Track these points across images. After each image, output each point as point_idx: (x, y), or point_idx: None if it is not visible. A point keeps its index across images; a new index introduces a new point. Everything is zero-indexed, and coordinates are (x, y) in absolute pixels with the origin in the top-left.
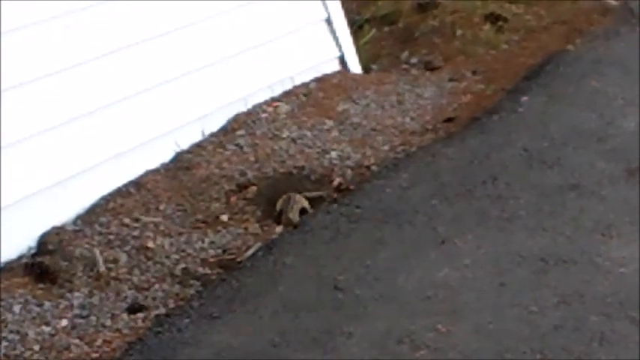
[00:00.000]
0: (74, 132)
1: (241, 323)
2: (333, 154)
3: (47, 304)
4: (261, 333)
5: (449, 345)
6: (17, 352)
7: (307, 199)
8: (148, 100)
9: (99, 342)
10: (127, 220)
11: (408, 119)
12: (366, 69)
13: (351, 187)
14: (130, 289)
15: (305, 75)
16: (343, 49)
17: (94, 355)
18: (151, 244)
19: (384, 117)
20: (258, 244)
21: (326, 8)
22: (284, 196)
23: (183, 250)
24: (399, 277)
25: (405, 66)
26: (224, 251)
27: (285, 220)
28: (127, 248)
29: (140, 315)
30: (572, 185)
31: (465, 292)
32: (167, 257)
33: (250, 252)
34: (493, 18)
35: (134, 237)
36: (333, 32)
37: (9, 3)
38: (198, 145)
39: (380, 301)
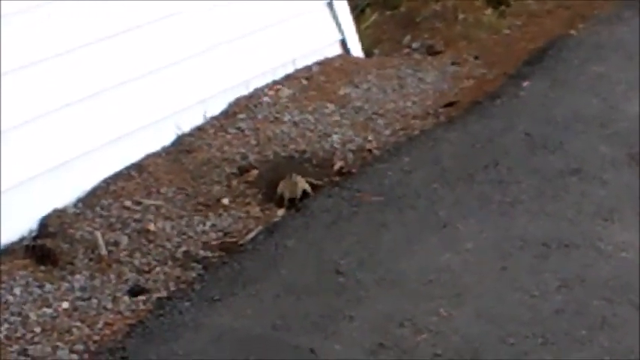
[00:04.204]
0: (75, 115)
1: (242, 306)
2: (335, 137)
3: (48, 286)
4: (262, 316)
5: (450, 329)
6: (18, 334)
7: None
8: (150, 83)
9: (100, 324)
10: (128, 203)
11: (409, 103)
12: (368, 53)
13: (353, 170)
14: (131, 271)
15: (307, 59)
16: (345, 32)
17: (95, 338)
18: (152, 227)
19: (385, 101)
20: (260, 228)
21: None
22: (286, 177)
23: (184, 233)
24: (400, 261)
25: (406, 50)
26: (225, 234)
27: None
28: (129, 231)
29: (141, 298)
30: (574, 170)
31: (466, 276)
32: (168, 240)
33: (251, 235)
34: (495, 2)
35: (135, 220)
36: (334, 16)
37: None
38: (199, 129)
39: (381, 285)
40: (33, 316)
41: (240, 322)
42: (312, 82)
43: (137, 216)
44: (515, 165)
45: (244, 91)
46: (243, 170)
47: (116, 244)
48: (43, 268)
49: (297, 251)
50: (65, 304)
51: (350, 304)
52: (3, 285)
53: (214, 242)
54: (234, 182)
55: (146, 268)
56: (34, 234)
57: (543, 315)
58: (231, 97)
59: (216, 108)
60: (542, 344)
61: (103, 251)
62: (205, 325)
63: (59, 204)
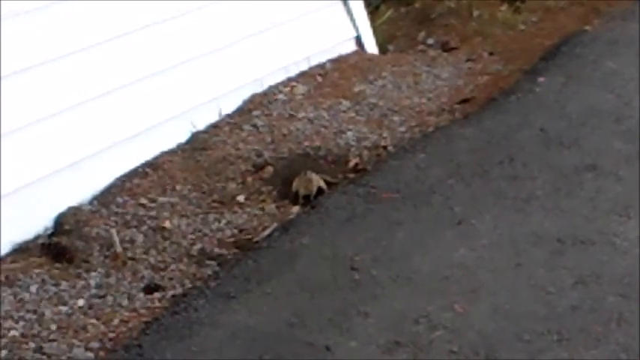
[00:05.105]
0: (90, 112)
1: (257, 303)
2: (350, 134)
3: (64, 283)
4: (277, 313)
5: (466, 325)
6: (34, 331)
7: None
8: (165, 81)
9: (115, 322)
10: (143, 201)
11: (424, 100)
12: (383, 49)
13: (368, 167)
14: (146, 269)
15: (321, 55)
16: (360, 29)
17: (111, 335)
18: (167, 225)
19: (400, 97)
20: (275, 225)
21: None
22: (301, 173)
23: (199, 231)
24: (415, 258)
25: (421, 47)
26: (240, 231)
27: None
28: (144, 228)
29: (157, 295)
30: (589, 165)
31: (481, 273)
32: (183, 237)
33: (266, 232)
34: None
35: (150, 217)
36: (349, 13)
37: None
38: (214, 126)
39: (396, 282)
40: (49, 314)
41: (255, 319)
42: (327, 79)
43: (152, 213)
44: (531, 161)
45: (259, 89)
46: (258, 167)
47: (131, 241)
48: (58, 265)
49: (312, 248)
50: (81, 302)
51: (365, 300)
52: (19, 283)
53: (229, 239)
54: (249, 179)
55: (161, 266)
56: (49, 232)
57: (559, 311)
58: (245, 95)
59: (231, 105)
60: (557, 341)
61: (119, 249)
62: (220, 323)
63: (75, 202)
